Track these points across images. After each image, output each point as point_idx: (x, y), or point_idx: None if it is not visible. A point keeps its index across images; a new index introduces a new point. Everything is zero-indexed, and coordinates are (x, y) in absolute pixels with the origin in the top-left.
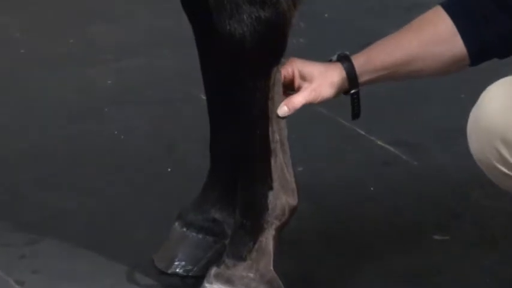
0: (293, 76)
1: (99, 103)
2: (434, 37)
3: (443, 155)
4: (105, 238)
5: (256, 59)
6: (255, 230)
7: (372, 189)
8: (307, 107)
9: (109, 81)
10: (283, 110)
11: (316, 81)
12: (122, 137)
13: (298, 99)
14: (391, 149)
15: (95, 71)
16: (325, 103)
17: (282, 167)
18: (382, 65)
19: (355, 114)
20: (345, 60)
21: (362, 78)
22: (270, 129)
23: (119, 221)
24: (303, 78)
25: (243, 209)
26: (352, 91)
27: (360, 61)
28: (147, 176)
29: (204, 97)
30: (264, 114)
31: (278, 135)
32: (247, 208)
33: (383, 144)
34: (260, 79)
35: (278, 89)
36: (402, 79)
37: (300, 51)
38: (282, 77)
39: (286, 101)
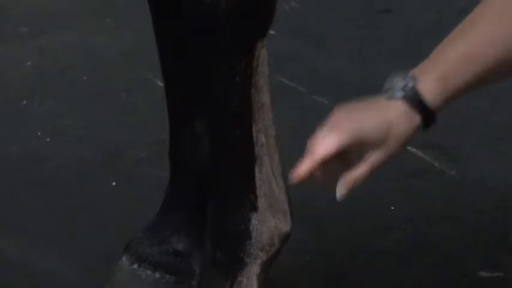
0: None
1: (14, 94)
2: None
3: (490, 162)
4: (30, 283)
5: (235, 31)
6: (232, 266)
7: (392, 208)
8: (302, 94)
9: (28, 63)
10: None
11: (382, 147)
12: (48, 139)
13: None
14: (420, 154)
15: (7, 49)
16: (327, 92)
17: (270, 179)
18: (466, 86)
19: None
20: (413, 99)
21: (437, 111)
22: (254, 127)
23: (44, 258)
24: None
25: (216, 237)
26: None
27: (433, 91)
28: (83, 193)
29: (161, 84)
30: (245, 107)
31: (264, 136)
32: (221, 236)
33: (408, 148)
34: (240, 58)
35: (263, 72)
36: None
37: (291, 21)
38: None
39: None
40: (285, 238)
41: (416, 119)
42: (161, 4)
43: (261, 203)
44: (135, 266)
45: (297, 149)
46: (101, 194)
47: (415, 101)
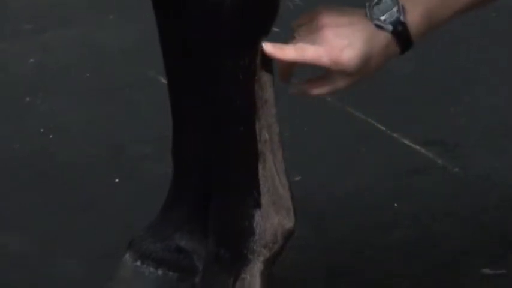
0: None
1: (17, 91)
2: None
3: (494, 159)
4: (31, 283)
5: (239, 28)
6: (235, 263)
7: (395, 205)
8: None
9: (31, 60)
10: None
11: (353, 75)
12: (51, 136)
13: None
14: (422, 150)
15: (9, 46)
16: None
17: (273, 176)
18: (448, 20)
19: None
20: (401, 35)
21: (416, 42)
22: (257, 124)
23: (46, 257)
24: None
25: (219, 234)
26: None
27: (418, 26)
28: (85, 190)
29: (164, 81)
30: (249, 103)
31: (267, 133)
32: (224, 233)
33: (411, 144)
34: (243, 54)
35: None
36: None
37: (294, 18)
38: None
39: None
40: (288, 235)
41: (397, 51)
42: (163, 2)
43: (264, 199)
44: (139, 263)
45: (299, 146)
46: (104, 191)
47: (403, 36)
